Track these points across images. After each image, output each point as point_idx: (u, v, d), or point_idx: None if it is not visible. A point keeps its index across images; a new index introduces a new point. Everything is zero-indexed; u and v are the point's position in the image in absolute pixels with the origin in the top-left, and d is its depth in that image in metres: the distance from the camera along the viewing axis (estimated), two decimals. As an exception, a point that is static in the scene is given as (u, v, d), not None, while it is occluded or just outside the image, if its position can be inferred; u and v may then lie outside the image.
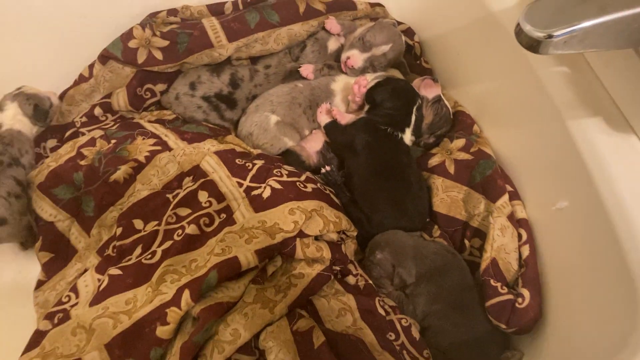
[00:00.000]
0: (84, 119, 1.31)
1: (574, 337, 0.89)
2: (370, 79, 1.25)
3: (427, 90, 1.26)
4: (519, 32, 0.75)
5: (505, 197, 1.08)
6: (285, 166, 1.16)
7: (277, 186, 1.05)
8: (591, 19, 0.71)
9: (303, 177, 1.12)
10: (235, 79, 1.32)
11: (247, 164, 1.12)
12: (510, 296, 0.98)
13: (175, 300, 0.88)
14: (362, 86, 1.23)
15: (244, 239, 0.96)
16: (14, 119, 1.23)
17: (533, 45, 0.74)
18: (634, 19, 0.71)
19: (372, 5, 1.46)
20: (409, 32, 1.45)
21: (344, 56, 1.32)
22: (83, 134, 1.28)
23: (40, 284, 1.10)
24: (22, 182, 1.15)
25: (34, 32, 1.26)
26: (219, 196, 1.06)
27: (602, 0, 0.72)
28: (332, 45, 1.39)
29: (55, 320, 0.94)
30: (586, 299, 0.88)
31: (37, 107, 1.24)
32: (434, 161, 1.20)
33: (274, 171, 1.10)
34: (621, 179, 0.85)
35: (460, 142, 1.20)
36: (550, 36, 0.72)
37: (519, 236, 1.05)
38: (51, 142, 1.30)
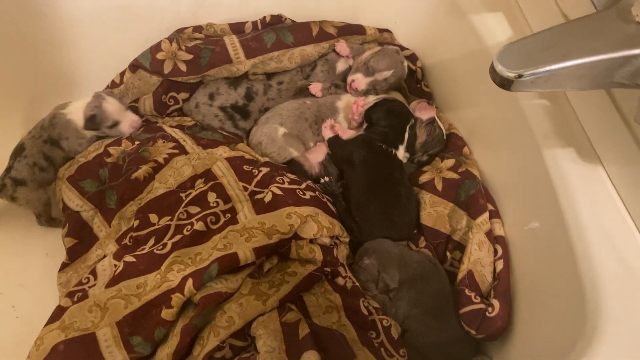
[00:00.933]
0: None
1: (536, 344, 0.96)
2: (367, 100, 1.33)
3: (422, 112, 1.34)
4: (493, 71, 0.81)
5: (485, 215, 1.15)
6: (289, 174, 1.23)
7: (278, 192, 1.13)
8: (555, 64, 0.77)
9: (303, 185, 1.19)
10: (250, 93, 1.41)
11: (253, 171, 1.20)
12: (482, 305, 1.05)
13: (179, 287, 0.95)
14: (359, 106, 1.32)
15: (244, 237, 1.03)
16: (75, 109, 1.29)
17: (504, 84, 0.80)
18: (593, 65, 0.77)
19: (381, 30, 1.53)
20: (413, 57, 1.52)
21: (349, 79, 1.40)
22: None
23: (64, 266, 1.18)
24: (51, 159, 1.26)
25: (76, 41, 1.38)
26: (226, 198, 1.13)
27: (565, 48, 0.78)
28: (341, 66, 1.47)
29: (75, 299, 1.02)
30: (547, 310, 0.95)
31: (92, 117, 1.27)
32: (424, 178, 1.27)
33: (277, 178, 1.17)
34: (584, 206, 0.91)
35: (450, 162, 1.27)
36: (519, 76, 0.78)
37: (495, 251, 1.12)
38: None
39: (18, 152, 1.26)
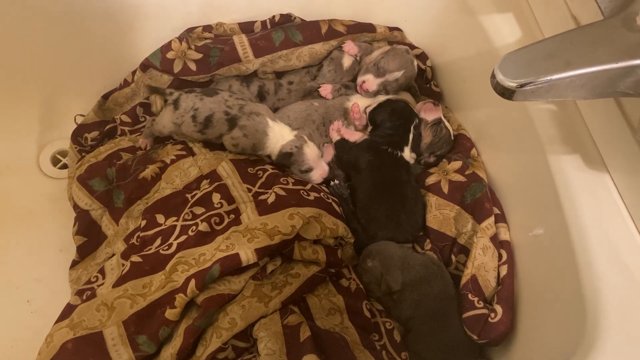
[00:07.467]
0: (127, 119, 1.44)
1: (537, 349, 0.96)
2: (375, 100, 1.33)
3: (427, 113, 1.33)
4: (494, 80, 0.79)
5: (491, 219, 1.14)
6: (294, 175, 1.24)
7: (282, 193, 1.14)
8: (557, 73, 0.76)
9: (308, 186, 1.20)
10: (262, 92, 1.41)
11: (258, 172, 1.21)
12: (485, 310, 1.04)
13: (183, 288, 0.97)
14: (355, 112, 1.34)
15: (246, 238, 1.04)
16: (278, 133, 1.27)
17: (505, 93, 0.79)
18: (595, 75, 0.76)
19: (391, 29, 1.52)
20: (423, 57, 1.50)
21: (359, 80, 1.40)
22: (123, 130, 1.42)
23: (74, 263, 1.22)
24: (210, 124, 1.25)
25: (88, 40, 1.39)
26: (230, 199, 1.15)
27: (567, 57, 0.77)
28: (346, 62, 1.45)
29: (84, 297, 1.04)
30: (549, 316, 0.95)
31: (288, 155, 1.26)
32: (430, 180, 1.27)
33: (281, 179, 1.19)
34: (587, 213, 0.91)
35: (457, 164, 1.26)
36: (519, 86, 0.77)
37: (500, 256, 1.11)
38: (93, 134, 1.40)
39: (210, 93, 1.30)
